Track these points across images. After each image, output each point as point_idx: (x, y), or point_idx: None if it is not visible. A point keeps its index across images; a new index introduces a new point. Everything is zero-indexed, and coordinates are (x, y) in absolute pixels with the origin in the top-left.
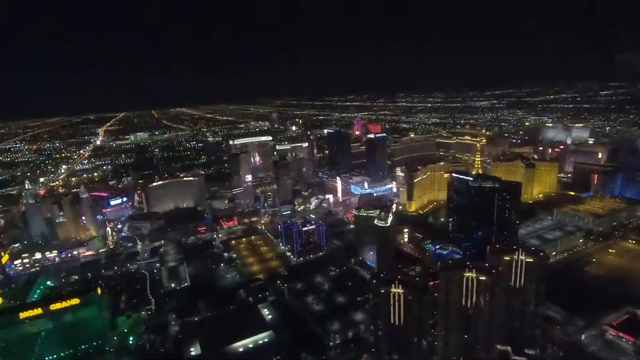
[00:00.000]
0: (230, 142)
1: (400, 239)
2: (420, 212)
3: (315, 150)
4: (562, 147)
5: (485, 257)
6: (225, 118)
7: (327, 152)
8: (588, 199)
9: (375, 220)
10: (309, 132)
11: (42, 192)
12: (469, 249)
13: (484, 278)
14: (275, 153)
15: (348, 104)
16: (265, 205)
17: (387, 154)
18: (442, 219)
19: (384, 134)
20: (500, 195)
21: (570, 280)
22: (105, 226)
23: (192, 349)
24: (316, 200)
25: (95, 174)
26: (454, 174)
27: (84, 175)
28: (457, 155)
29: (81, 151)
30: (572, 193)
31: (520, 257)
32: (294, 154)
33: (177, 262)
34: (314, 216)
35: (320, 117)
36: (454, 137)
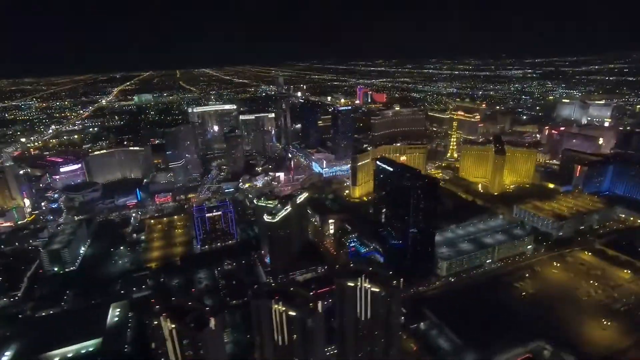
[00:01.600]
0: (190, 110)
1: (325, 230)
2: (365, 199)
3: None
4: (562, 127)
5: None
6: (240, 80)
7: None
8: (561, 195)
9: (265, 215)
10: (282, 102)
11: (16, 153)
12: (392, 250)
13: (377, 290)
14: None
15: (372, 69)
16: (214, 181)
17: (353, 128)
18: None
19: (349, 107)
20: (416, 192)
21: (486, 300)
22: (33, 195)
23: (5, 354)
24: (266, 178)
25: (76, 136)
26: (377, 162)
27: (64, 138)
28: (449, 132)
29: (82, 111)
30: (551, 185)
31: (365, 284)
32: (261, 124)
33: (63, 243)
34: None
35: (335, 83)
36: (447, 112)
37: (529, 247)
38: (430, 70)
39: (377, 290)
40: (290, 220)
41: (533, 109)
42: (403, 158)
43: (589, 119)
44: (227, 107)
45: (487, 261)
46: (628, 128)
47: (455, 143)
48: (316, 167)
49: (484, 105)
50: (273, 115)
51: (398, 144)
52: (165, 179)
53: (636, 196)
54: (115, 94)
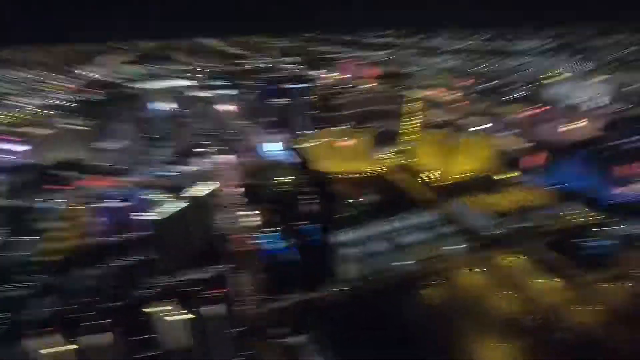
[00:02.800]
0: (141, 86)
1: (247, 224)
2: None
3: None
4: (542, 108)
5: None
6: (241, 52)
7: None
8: (512, 187)
9: (150, 211)
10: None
11: None
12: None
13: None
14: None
15: (375, 40)
16: (154, 164)
17: (309, 107)
18: None
19: (306, 84)
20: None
21: (383, 310)
22: None
23: None
24: (205, 162)
25: (46, 111)
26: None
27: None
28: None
29: (69, 84)
30: (511, 175)
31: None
32: (221, 101)
33: None
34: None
35: (335, 55)
36: (422, 91)
37: (455, 247)
38: (441, 41)
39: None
40: (188, 215)
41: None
42: (347, 143)
43: (586, 98)
44: (185, 82)
45: (403, 263)
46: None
47: (413, 126)
48: (261, 150)
49: (470, 81)
50: (236, 91)
51: (344, 127)
52: (100, 160)
53: (601, 190)
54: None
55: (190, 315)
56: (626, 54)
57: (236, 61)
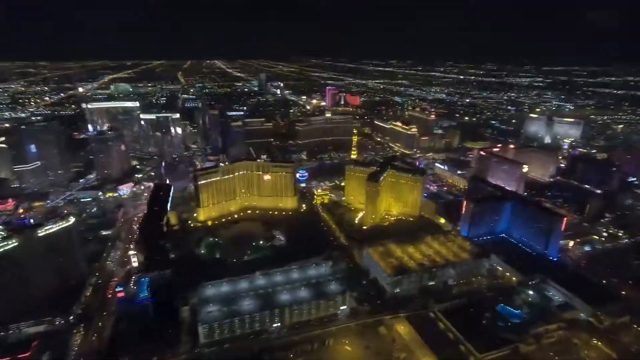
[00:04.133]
0: (84, 106)
1: (123, 264)
2: (210, 223)
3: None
4: (498, 146)
5: None
6: (239, 74)
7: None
8: (430, 238)
9: None
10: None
11: None
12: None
13: None
14: (142, 122)
15: (379, 68)
16: (79, 188)
17: (242, 135)
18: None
19: (242, 112)
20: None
21: None
22: None
23: None
24: (133, 189)
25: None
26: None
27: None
28: (391, 144)
29: (47, 98)
30: (442, 221)
31: None
32: (165, 125)
33: None
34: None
35: (329, 82)
36: (389, 122)
37: (342, 308)
38: (436, 74)
39: None
40: (23, 256)
41: (509, 122)
42: (267, 177)
43: (559, 137)
44: (128, 104)
45: (274, 326)
46: (589, 151)
47: (355, 154)
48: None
49: (432, 116)
50: (178, 115)
51: (262, 160)
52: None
53: (534, 243)
54: (101, 83)
55: None
56: (615, 94)
57: (220, 83)
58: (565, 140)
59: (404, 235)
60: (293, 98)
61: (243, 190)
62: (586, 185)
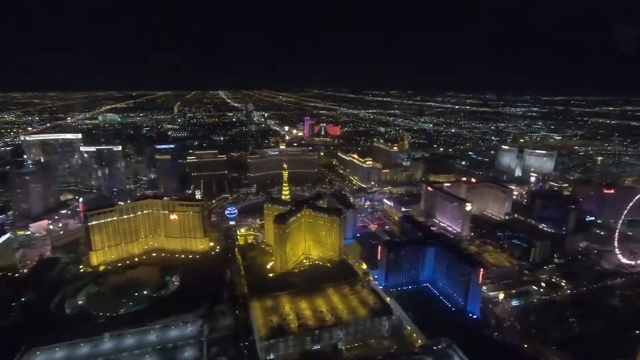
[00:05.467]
0: (22, 138)
1: None
2: (103, 268)
3: None
4: (452, 180)
5: None
6: (235, 104)
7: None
8: (332, 289)
9: None
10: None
11: None
12: None
13: None
14: (86, 155)
15: (378, 98)
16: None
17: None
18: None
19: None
20: None
21: None
22: None
23: None
24: (50, 225)
25: None
26: None
27: None
28: (351, 177)
29: (30, 128)
30: (364, 266)
31: None
32: (105, 157)
33: None
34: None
35: (322, 111)
36: (349, 154)
37: None
38: (432, 104)
39: None
40: None
41: (487, 153)
42: (173, 217)
43: (533, 169)
44: (68, 136)
45: None
46: (560, 185)
47: (287, 191)
48: None
49: (395, 147)
50: (120, 148)
51: (166, 199)
52: None
53: (457, 296)
54: (94, 113)
55: None
56: (606, 123)
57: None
58: (532, 173)
59: (312, 284)
60: (276, 128)
61: (148, 231)
62: (542, 225)
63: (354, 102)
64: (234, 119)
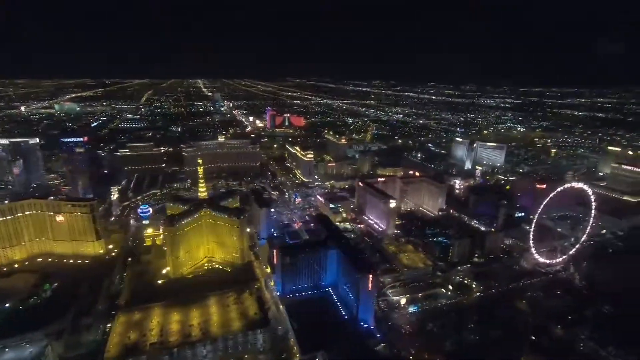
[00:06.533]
0: None
1: None
2: None
3: None
4: (386, 174)
5: None
6: (209, 93)
7: None
8: (228, 295)
9: None
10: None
11: None
12: None
13: None
14: None
15: (358, 88)
16: None
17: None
18: None
19: None
20: None
21: None
22: None
23: None
24: None
25: None
26: None
27: None
28: (296, 171)
29: None
30: (268, 270)
31: None
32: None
33: None
34: None
35: (296, 102)
36: (294, 147)
37: None
38: (411, 94)
39: None
40: None
41: (448, 145)
42: (60, 218)
43: (485, 162)
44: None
45: None
46: (507, 178)
47: (203, 188)
48: None
49: (343, 140)
50: (37, 140)
51: (52, 198)
52: None
53: (351, 303)
54: (53, 102)
55: None
56: (572, 115)
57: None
58: (478, 167)
59: (202, 291)
60: (242, 119)
61: (34, 234)
62: (474, 221)
63: (333, 92)
64: (201, 109)
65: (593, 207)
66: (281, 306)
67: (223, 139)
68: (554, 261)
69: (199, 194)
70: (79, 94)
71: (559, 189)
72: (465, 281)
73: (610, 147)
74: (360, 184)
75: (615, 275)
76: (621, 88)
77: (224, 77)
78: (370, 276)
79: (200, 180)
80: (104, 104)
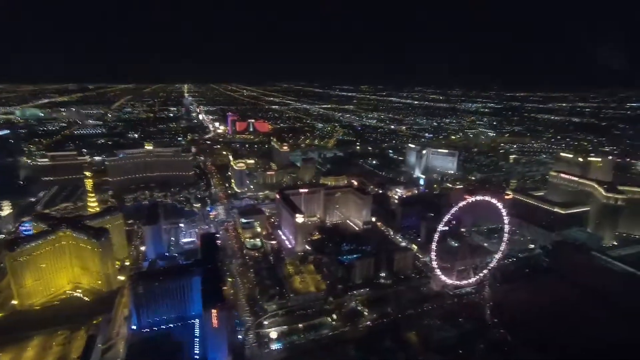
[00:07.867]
0: None
1: None
2: None
3: None
4: (313, 185)
5: None
6: (192, 98)
7: None
8: (60, 333)
9: None
10: None
11: None
12: None
13: None
14: None
15: (343, 93)
16: None
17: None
18: None
19: None
20: None
21: None
22: None
23: None
24: None
25: None
26: None
27: None
28: (232, 180)
29: None
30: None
31: None
32: None
33: None
34: None
35: (274, 107)
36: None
37: None
38: (393, 99)
39: None
40: None
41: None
42: None
43: (439, 169)
44: None
45: None
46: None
47: (93, 201)
48: None
49: (285, 147)
50: None
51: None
52: None
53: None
54: (22, 106)
55: None
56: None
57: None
58: (421, 175)
59: (39, 327)
60: (209, 125)
61: None
62: (399, 236)
63: (317, 96)
64: (171, 115)
65: (505, 220)
66: (129, 343)
67: (151, 147)
68: (465, 282)
69: (89, 208)
70: (53, 99)
71: (465, 202)
72: (359, 307)
73: (562, 153)
74: (277, 196)
75: (530, 298)
76: (607, 90)
77: (212, 82)
78: (215, 312)
79: (89, 194)
80: (72, 109)
